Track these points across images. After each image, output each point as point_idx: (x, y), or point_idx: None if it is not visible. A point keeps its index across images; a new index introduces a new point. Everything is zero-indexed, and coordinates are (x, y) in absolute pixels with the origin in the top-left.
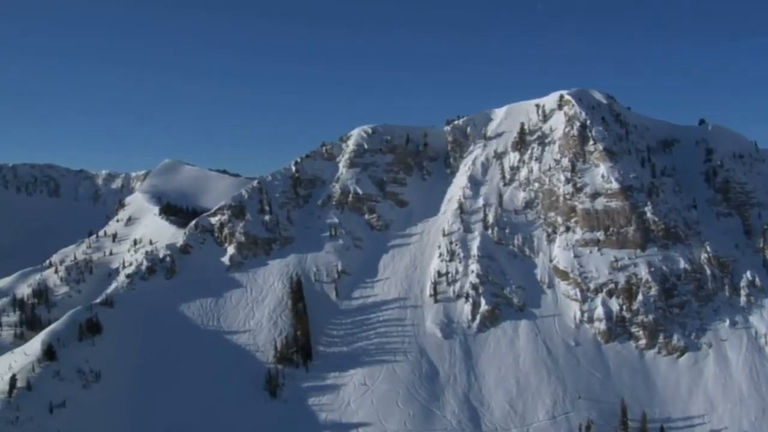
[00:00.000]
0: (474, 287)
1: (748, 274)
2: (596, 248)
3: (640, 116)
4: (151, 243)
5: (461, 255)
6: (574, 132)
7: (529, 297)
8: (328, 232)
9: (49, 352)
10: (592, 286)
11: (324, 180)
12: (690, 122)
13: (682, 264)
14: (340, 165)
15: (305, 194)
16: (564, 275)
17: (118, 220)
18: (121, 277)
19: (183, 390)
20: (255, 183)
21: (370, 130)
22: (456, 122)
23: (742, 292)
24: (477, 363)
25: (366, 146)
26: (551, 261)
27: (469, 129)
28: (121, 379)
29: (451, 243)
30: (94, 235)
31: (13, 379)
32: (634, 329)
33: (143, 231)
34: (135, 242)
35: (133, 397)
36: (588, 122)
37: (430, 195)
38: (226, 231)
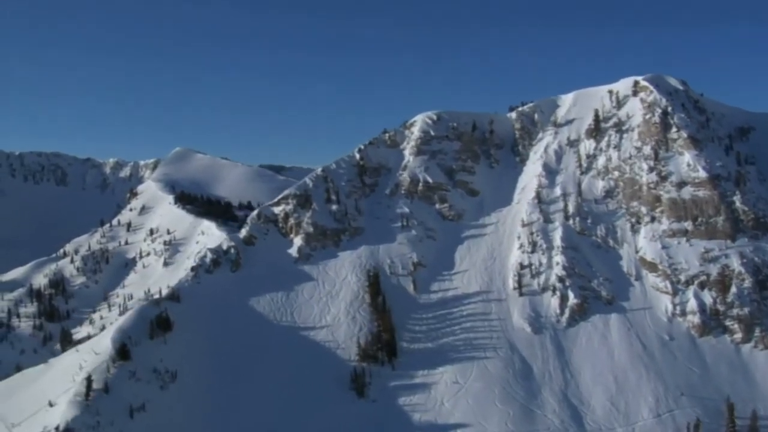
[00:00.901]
0: (560, 280)
1: None
2: (684, 239)
3: (715, 102)
4: (168, 232)
5: (543, 246)
6: (656, 119)
7: (617, 290)
8: (399, 223)
9: (123, 351)
10: (682, 278)
11: (389, 168)
12: (763, 109)
13: None
14: (406, 152)
15: (371, 183)
16: (652, 267)
17: (131, 209)
18: (185, 270)
19: (263, 389)
20: (319, 171)
21: (435, 117)
22: (521, 108)
23: None
24: (570, 359)
25: (432, 133)
26: (637, 252)
27: (536, 115)
28: (196, 378)
29: (531, 234)
30: (108, 225)
31: (89, 381)
32: (728, 323)
33: (159, 220)
34: (151, 231)
35: (211, 398)
36: (669, 109)
37: (501, 184)
38: (291, 221)
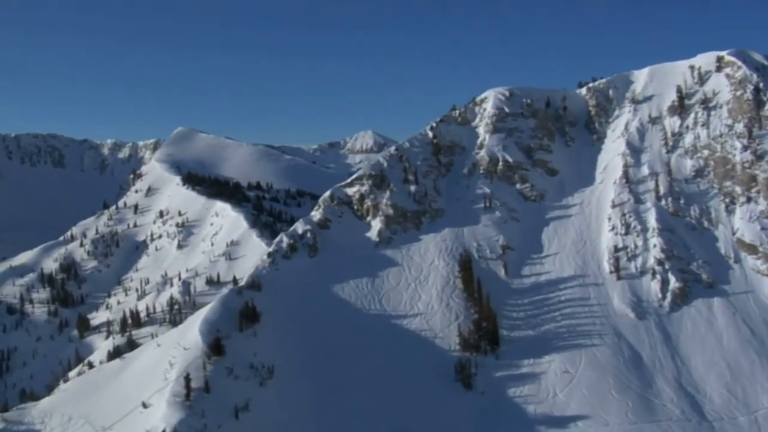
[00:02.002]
0: (659, 263)
1: None
2: None
3: None
4: (180, 214)
5: (638, 228)
6: (748, 95)
7: (716, 272)
8: (481, 204)
9: (217, 346)
10: None
11: (463, 146)
12: None
13: None
14: (480, 130)
15: (446, 162)
16: (752, 249)
17: (136, 191)
18: (262, 257)
19: (364, 383)
20: (393, 150)
21: (507, 93)
22: (592, 84)
23: None
24: (678, 345)
25: (506, 110)
26: (734, 234)
27: (610, 92)
28: (293, 373)
29: (623, 215)
30: (114, 207)
31: (187, 380)
32: None
33: (168, 202)
34: (161, 214)
35: (313, 394)
36: (761, 85)
37: (579, 163)
38: (368, 203)
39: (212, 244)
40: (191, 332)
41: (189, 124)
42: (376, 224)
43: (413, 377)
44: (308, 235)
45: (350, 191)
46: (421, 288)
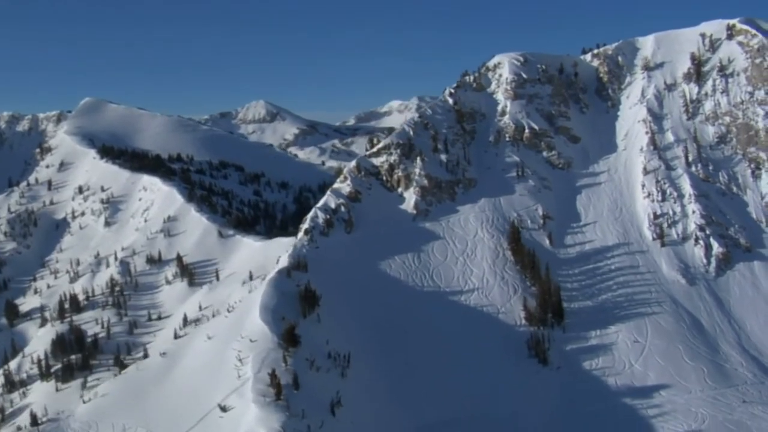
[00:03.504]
0: (701, 228)
1: None
2: None
3: None
4: (103, 189)
5: (674, 194)
6: (767, 63)
7: (751, 237)
8: (513, 172)
9: (292, 336)
10: None
11: (484, 113)
12: None
13: None
14: (499, 96)
15: (470, 129)
16: None
17: (47, 166)
18: (299, 234)
19: (439, 364)
20: (416, 117)
21: (521, 58)
22: (598, 51)
23: None
24: (731, 309)
25: (524, 76)
26: (762, 198)
27: (620, 58)
28: (366, 360)
29: (657, 182)
30: (25, 183)
31: (273, 376)
32: None
33: (86, 177)
34: (80, 189)
35: (391, 381)
36: None
37: (597, 129)
38: (398, 173)
39: (146, 221)
40: (250, 321)
41: (88, 95)
42: (410, 196)
43: (487, 355)
44: (342, 209)
45: (377, 161)
46: (471, 262)
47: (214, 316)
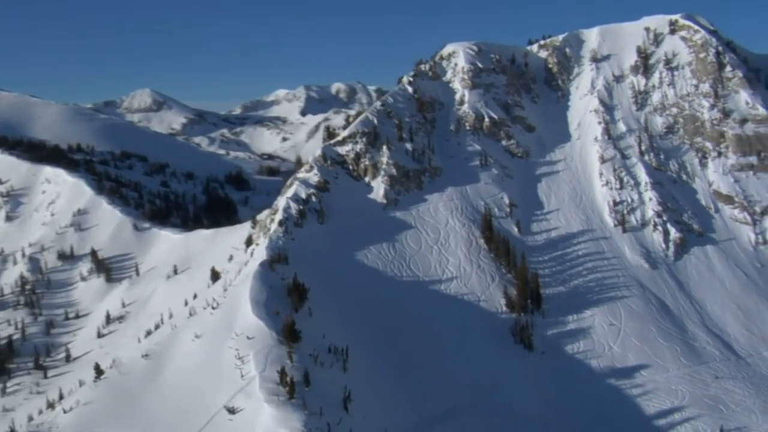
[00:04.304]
0: (658, 215)
1: None
2: (752, 173)
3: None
4: (1, 182)
5: (631, 182)
6: (711, 58)
7: (703, 222)
8: (476, 161)
9: (293, 332)
10: (758, 209)
11: (442, 102)
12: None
13: None
14: (456, 85)
15: (430, 118)
16: (728, 199)
17: None
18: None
19: (431, 354)
20: (379, 105)
21: (476, 48)
22: (544, 42)
23: None
24: (691, 291)
25: (480, 65)
26: (710, 186)
27: (567, 50)
28: (360, 353)
29: (615, 170)
30: None
31: (283, 374)
32: None
33: None
34: None
35: (388, 375)
36: (720, 48)
37: (549, 119)
38: (365, 162)
39: (52, 214)
40: (243, 317)
41: None
42: (379, 185)
43: (476, 344)
44: (313, 199)
45: (342, 150)
46: (446, 250)
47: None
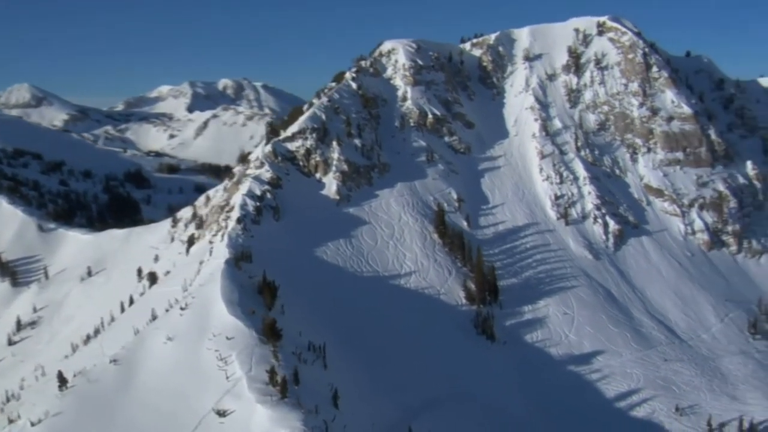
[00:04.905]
0: (597, 208)
1: None
2: (678, 167)
3: None
4: None
5: (570, 177)
6: (639, 59)
7: (637, 214)
8: (422, 157)
9: (272, 330)
10: (685, 201)
11: (384, 98)
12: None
13: (740, 179)
14: (398, 82)
15: (375, 114)
16: (659, 193)
17: None
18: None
19: (401, 349)
20: (326, 101)
21: (414, 45)
22: (478, 41)
23: None
24: (632, 280)
25: (420, 62)
26: (641, 180)
27: (500, 48)
28: (334, 350)
29: (554, 165)
30: None
31: (272, 373)
32: (725, 237)
33: None
34: None
35: (361, 369)
36: (646, 49)
37: (486, 116)
38: (316, 158)
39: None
40: (218, 317)
41: None
42: (331, 181)
43: (442, 336)
44: (268, 195)
45: (292, 146)
46: (402, 245)
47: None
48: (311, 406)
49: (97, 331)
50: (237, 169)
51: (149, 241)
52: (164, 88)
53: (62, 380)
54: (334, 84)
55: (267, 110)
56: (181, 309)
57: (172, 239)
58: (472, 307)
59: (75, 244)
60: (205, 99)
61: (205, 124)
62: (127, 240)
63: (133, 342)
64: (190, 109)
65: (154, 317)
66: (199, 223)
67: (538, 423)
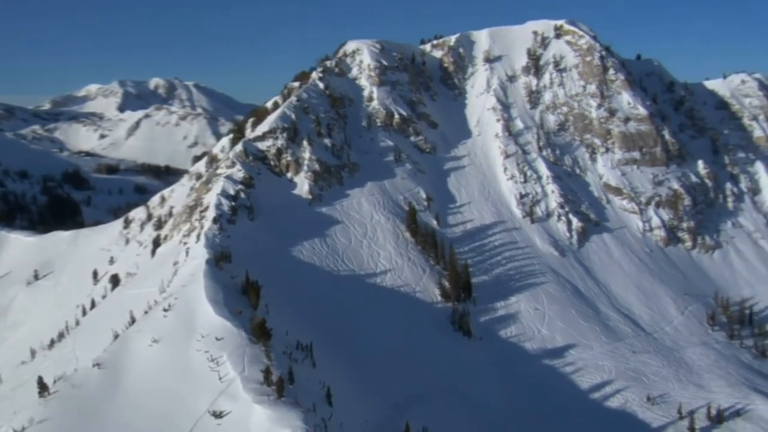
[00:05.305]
0: (561, 206)
1: (728, 184)
2: (635, 166)
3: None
4: None
5: (534, 176)
6: (596, 61)
7: (597, 212)
8: (390, 156)
9: (262, 329)
10: (643, 199)
11: (351, 98)
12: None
13: (693, 178)
14: (364, 82)
15: (342, 114)
16: (617, 191)
17: None
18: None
19: (384, 348)
20: (294, 100)
21: (378, 45)
22: (439, 42)
23: (729, 200)
24: (596, 275)
25: (385, 63)
26: (600, 179)
27: (461, 50)
28: (317, 348)
29: (518, 165)
30: None
31: (267, 373)
32: (680, 234)
33: None
34: None
35: (346, 367)
36: (603, 52)
37: (449, 116)
38: (287, 158)
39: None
40: (204, 318)
41: None
42: (302, 181)
43: (421, 333)
44: (242, 195)
45: (263, 145)
46: (375, 244)
47: None
48: (309, 405)
49: (61, 335)
50: (193, 169)
51: (99, 243)
52: (93, 87)
53: (43, 386)
54: (297, 83)
55: (200, 110)
56: (164, 310)
57: (127, 241)
58: (447, 304)
59: (18, 246)
60: (137, 98)
61: (137, 123)
62: (75, 242)
63: (116, 345)
64: (121, 109)
65: (133, 319)
66: (158, 224)
67: (519, 416)
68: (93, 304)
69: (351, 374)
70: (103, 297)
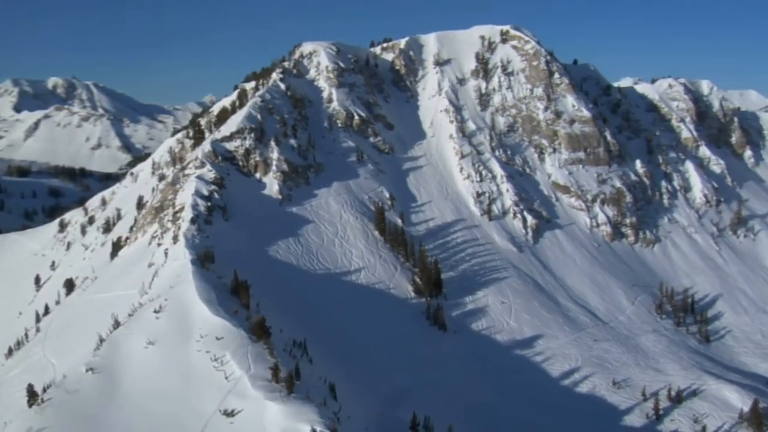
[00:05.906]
0: (516, 204)
1: (663, 182)
2: (581, 166)
3: None
4: None
5: (489, 176)
6: (542, 66)
7: (548, 210)
8: (352, 157)
9: (264, 329)
10: (589, 197)
11: (310, 100)
12: None
13: (632, 177)
14: (322, 84)
15: (304, 115)
16: (565, 189)
17: None
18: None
19: (370, 344)
20: (259, 101)
21: (335, 48)
22: (389, 45)
23: (664, 197)
24: (553, 270)
25: (342, 65)
26: (549, 178)
27: (411, 53)
28: (309, 346)
29: (473, 165)
30: None
31: (275, 370)
32: (623, 229)
33: None
34: None
35: (336, 363)
36: (548, 57)
37: (404, 117)
38: (255, 158)
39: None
40: (200, 318)
41: None
42: (272, 181)
43: (401, 329)
44: (215, 195)
45: (231, 146)
46: (347, 243)
47: None
48: (320, 399)
49: (19, 343)
50: (137, 169)
51: (30, 248)
52: None
53: (32, 394)
54: (252, 84)
55: (101, 110)
56: (156, 312)
57: (68, 245)
58: (420, 299)
59: None
60: (34, 98)
61: (36, 124)
62: (1, 247)
63: (106, 348)
64: (18, 109)
65: (117, 322)
66: (107, 226)
67: (499, 403)
68: (47, 310)
69: (342, 370)
70: (57, 302)
